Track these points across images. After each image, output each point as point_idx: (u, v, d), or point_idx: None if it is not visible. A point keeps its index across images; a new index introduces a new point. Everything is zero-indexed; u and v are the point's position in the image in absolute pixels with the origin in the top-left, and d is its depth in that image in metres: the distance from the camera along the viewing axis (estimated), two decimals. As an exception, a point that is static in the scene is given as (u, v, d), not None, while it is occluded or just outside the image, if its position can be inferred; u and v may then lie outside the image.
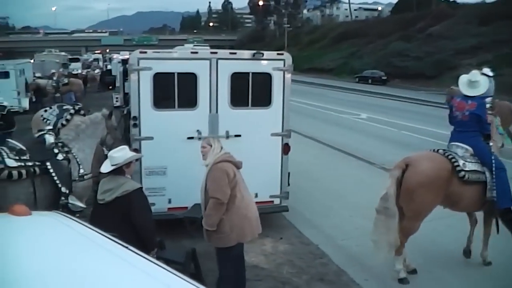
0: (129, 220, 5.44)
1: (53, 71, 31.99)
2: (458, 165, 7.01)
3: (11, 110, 15.41)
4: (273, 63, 8.69)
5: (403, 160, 7.21)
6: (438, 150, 7.42)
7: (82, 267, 2.37)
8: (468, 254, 7.94)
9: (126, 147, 5.96)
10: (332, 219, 9.85)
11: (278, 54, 9.02)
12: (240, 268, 6.44)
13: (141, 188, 5.76)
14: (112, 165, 5.61)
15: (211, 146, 6.14)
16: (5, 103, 14.01)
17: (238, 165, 6.15)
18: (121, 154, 5.68)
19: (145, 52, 8.45)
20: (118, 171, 5.64)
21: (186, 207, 8.23)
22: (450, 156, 7.12)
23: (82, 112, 11.20)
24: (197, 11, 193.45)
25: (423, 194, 6.88)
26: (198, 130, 8.38)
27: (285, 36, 79.98)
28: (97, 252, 2.60)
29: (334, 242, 8.77)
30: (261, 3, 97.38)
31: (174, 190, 8.28)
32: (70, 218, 3.10)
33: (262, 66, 8.69)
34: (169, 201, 8.39)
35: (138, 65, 8.16)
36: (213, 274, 6.50)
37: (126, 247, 2.69)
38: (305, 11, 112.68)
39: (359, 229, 9.16)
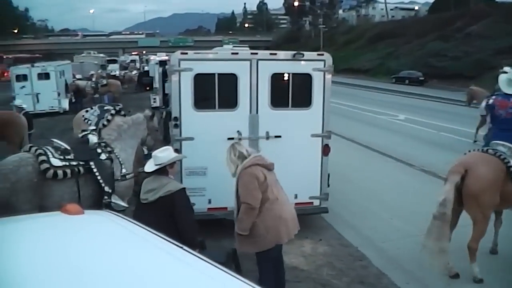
0: (171, 219, 5.48)
1: (92, 72, 32.67)
2: (511, 166, 6.98)
3: (30, 112, 15.71)
4: (313, 64, 8.64)
5: (460, 164, 7.10)
6: (487, 150, 7.30)
7: (138, 265, 2.40)
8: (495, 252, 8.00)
9: (170, 148, 6.02)
10: (371, 221, 9.73)
11: (318, 54, 8.97)
12: (279, 269, 6.41)
13: (184, 188, 5.80)
14: (156, 165, 5.66)
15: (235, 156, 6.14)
16: (23, 105, 14.26)
17: (269, 167, 6.08)
18: (165, 154, 5.74)
19: (186, 53, 8.48)
20: (162, 171, 5.70)
21: (226, 208, 8.25)
22: (502, 157, 7.05)
23: (122, 112, 11.30)
24: (232, 12, 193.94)
25: (487, 197, 6.86)
26: (238, 131, 8.39)
27: (320, 36, 79.57)
28: (151, 250, 2.63)
29: (373, 244, 8.67)
30: (296, 3, 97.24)
31: (214, 191, 8.30)
32: (121, 217, 3.13)
33: (302, 66, 8.64)
34: (209, 202, 8.42)
35: (179, 66, 8.21)
36: (253, 275, 6.47)
37: (181, 247, 2.70)
38: (340, 11, 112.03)
39: (399, 231, 9.05)
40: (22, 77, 26.36)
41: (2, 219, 3.17)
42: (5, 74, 53.78)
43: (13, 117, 14.03)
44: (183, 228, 5.54)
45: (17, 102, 14.51)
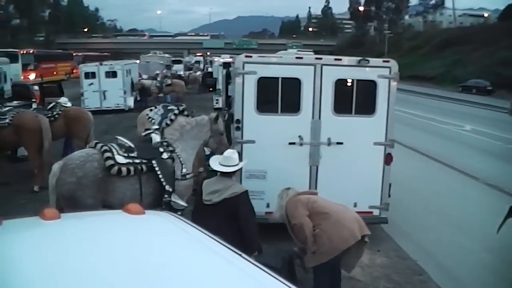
0: (234, 221, 5.51)
1: (157, 72, 33.31)
2: None
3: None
4: (378, 70, 8.48)
5: None
6: None
7: (192, 269, 2.40)
8: None
9: (236, 151, 6.04)
10: (432, 235, 9.47)
11: (384, 61, 8.80)
12: (336, 279, 6.34)
13: (247, 191, 5.81)
14: (227, 166, 5.69)
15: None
16: (68, 104, 14.61)
17: (311, 193, 6.48)
18: (235, 156, 5.79)
19: (250, 56, 8.51)
20: (226, 173, 5.72)
21: (284, 212, 8.21)
22: None
23: (185, 112, 11.48)
24: (297, 16, 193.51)
25: None
26: (300, 136, 8.35)
27: (385, 42, 78.38)
28: (207, 254, 2.62)
29: (434, 259, 8.43)
30: (361, 8, 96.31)
31: (273, 195, 8.21)
32: (181, 219, 3.15)
33: (367, 73, 8.49)
34: (267, 205, 8.38)
35: (243, 68, 8.24)
36: (308, 283, 6.43)
37: (237, 252, 2.69)
38: (406, 17, 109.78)
39: (462, 247, 8.77)
40: (91, 75, 27.21)
41: (66, 214, 3.24)
42: (75, 71, 55.77)
43: (80, 112, 14.46)
44: (246, 230, 5.58)
45: (63, 100, 14.92)
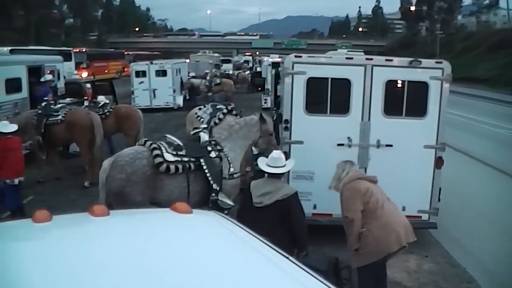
0: (285, 223, 5.48)
1: (207, 71, 33.62)
2: None
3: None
4: (430, 72, 8.31)
5: None
6: None
7: (238, 270, 2.40)
8: None
9: (281, 152, 6.02)
10: (483, 242, 9.19)
11: (436, 62, 8.62)
12: (382, 283, 6.26)
13: (297, 192, 5.78)
14: (277, 167, 5.67)
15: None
16: (105, 101, 14.83)
17: (371, 180, 6.06)
18: (282, 157, 5.77)
19: (300, 56, 8.48)
20: (276, 174, 5.70)
21: (331, 214, 8.17)
22: None
23: (234, 112, 11.57)
24: (347, 16, 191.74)
25: None
26: (348, 137, 8.27)
27: (437, 43, 76.81)
28: (253, 256, 2.62)
29: (484, 266, 8.21)
30: (413, 8, 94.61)
31: (320, 196, 8.20)
32: (228, 219, 3.15)
33: (419, 74, 8.34)
34: (314, 207, 8.35)
35: (293, 69, 8.22)
36: (354, 286, 6.37)
37: (283, 254, 2.67)
38: (459, 17, 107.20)
39: (515, 256, 8.50)
40: (141, 74, 27.72)
41: (115, 211, 3.29)
42: (126, 70, 56.86)
43: (131, 110, 14.74)
44: (297, 231, 5.58)
45: (99, 98, 15.21)
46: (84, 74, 46.59)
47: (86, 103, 14.76)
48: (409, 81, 8.32)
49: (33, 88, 15.80)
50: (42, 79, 14.96)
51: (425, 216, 8.61)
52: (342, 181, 6.02)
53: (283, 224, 5.50)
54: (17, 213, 9.67)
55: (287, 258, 2.65)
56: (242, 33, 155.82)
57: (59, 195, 11.88)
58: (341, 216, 7.75)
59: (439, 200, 8.62)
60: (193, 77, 31.40)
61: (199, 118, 11.74)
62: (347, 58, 8.73)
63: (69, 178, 13.39)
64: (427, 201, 8.56)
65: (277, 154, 5.91)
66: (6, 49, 35.00)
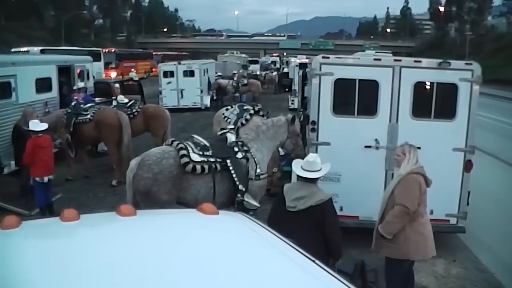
0: (318, 228, 5.42)
1: (234, 71, 33.72)
2: None
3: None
4: (460, 73, 8.19)
5: None
6: None
7: (263, 273, 2.39)
8: None
9: (318, 156, 5.94)
10: (512, 247, 9.02)
11: (466, 64, 8.48)
12: (408, 286, 6.18)
13: (332, 197, 5.69)
14: (312, 171, 5.60)
15: (404, 155, 5.94)
16: (125, 101, 14.91)
17: (428, 183, 5.95)
18: (319, 161, 5.69)
19: (328, 57, 8.43)
20: (310, 179, 5.63)
21: (357, 217, 8.14)
22: None
23: (261, 112, 11.58)
24: (375, 17, 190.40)
25: None
26: (376, 139, 8.20)
27: (466, 44, 75.73)
28: (280, 259, 2.60)
29: (513, 272, 8.04)
30: (442, 9, 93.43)
31: (347, 198, 8.16)
32: (254, 221, 3.14)
33: (448, 76, 8.22)
34: (341, 209, 8.26)
35: (320, 70, 8.19)
36: (380, 290, 6.29)
37: (310, 258, 2.66)
38: (489, 18, 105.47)
39: (546, 263, 8.31)
40: (169, 74, 27.94)
41: (142, 211, 3.31)
42: (154, 70, 57.38)
43: (159, 110, 14.87)
44: (331, 238, 5.49)
45: (119, 98, 15.35)
46: (113, 74, 47.22)
47: (114, 102, 14.92)
48: (438, 83, 8.21)
49: (63, 89, 16.07)
50: (74, 87, 15.08)
51: (453, 220, 8.49)
52: (410, 167, 5.87)
53: (316, 230, 5.42)
54: (46, 210, 9.84)
55: (313, 261, 2.63)
56: (270, 34, 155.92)
57: (87, 193, 12.04)
58: (367, 219, 7.76)
59: (467, 204, 8.48)
60: (220, 77, 31.52)
61: (226, 118, 11.80)
62: (375, 59, 8.63)
63: (98, 176, 13.57)
64: (455, 205, 8.42)
65: (313, 157, 5.79)
66: (36, 49, 35.70)
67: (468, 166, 8.33)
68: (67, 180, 12.84)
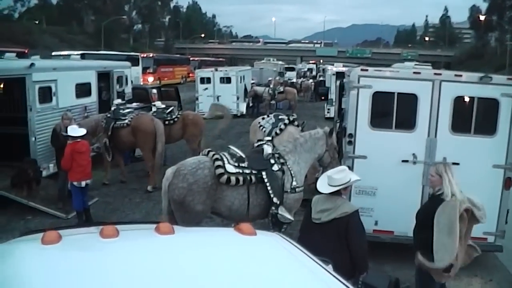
0: (343, 241, 5.39)
1: (270, 79, 33.81)
2: None
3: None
4: (502, 89, 8.02)
5: None
6: None
7: None
8: None
9: (346, 168, 5.88)
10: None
11: (508, 79, 8.28)
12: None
13: (358, 210, 5.65)
14: (331, 186, 5.57)
15: (440, 176, 5.78)
16: (162, 107, 14.99)
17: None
18: (342, 176, 5.62)
19: (366, 70, 8.37)
20: (336, 191, 5.60)
21: (392, 232, 8.05)
22: None
23: (296, 123, 11.58)
24: (413, 25, 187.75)
25: None
26: (413, 154, 8.09)
27: (507, 54, 74.21)
28: (314, 283, 2.62)
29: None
30: (482, 17, 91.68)
31: (382, 213, 8.08)
32: (290, 242, 3.15)
33: (489, 91, 8.06)
34: (376, 223, 8.21)
35: (358, 82, 8.13)
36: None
37: (342, 282, 2.68)
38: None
39: None
40: (206, 80, 28.14)
41: (180, 228, 3.32)
42: (191, 75, 57.90)
43: (198, 118, 15.03)
44: (356, 251, 5.43)
45: (157, 103, 15.54)
46: (151, 79, 47.84)
47: (154, 108, 15.09)
48: (478, 98, 8.07)
49: (102, 94, 16.36)
50: (113, 107, 15.16)
51: (491, 238, 8.29)
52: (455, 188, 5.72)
53: (341, 243, 5.39)
54: (82, 214, 10.01)
55: (345, 285, 2.66)
56: (306, 41, 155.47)
57: (123, 198, 12.22)
58: (403, 234, 7.67)
59: (506, 222, 8.30)
60: (257, 84, 31.62)
61: (261, 127, 11.85)
62: (414, 72, 8.50)
63: (134, 181, 13.75)
64: (493, 223, 8.20)
65: (332, 172, 5.74)
66: (77, 53, 36.47)
67: (508, 183, 8.15)
68: (104, 185, 13.06)
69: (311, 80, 46.66)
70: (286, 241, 3.14)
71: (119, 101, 14.48)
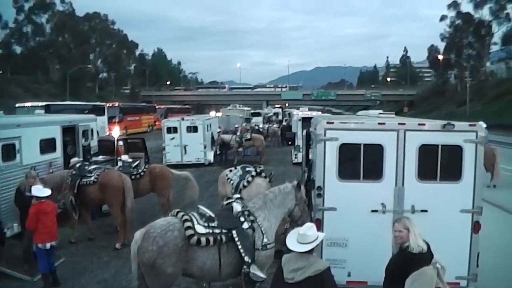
0: None
1: (237, 126, 33.97)
2: None
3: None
4: (464, 135, 8.22)
5: None
6: None
7: None
8: None
9: (313, 225, 5.86)
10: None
11: (470, 125, 8.49)
12: None
13: (330, 267, 5.61)
14: (304, 244, 5.53)
15: (407, 230, 5.92)
16: (129, 160, 14.98)
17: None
18: (312, 232, 5.61)
19: (332, 123, 8.47)
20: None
21: (366, 282, 8.02)
22: None
23: (263, 174, 11.61)
24: (375, 66, 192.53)
25: None
26: (382, 203, 8.16)
27: (467, 90, 76.28)
28: None
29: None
30: (441, 57, 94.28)
31: (355, 263, 8.06)
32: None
33: (453, 137, 8.24)
34: (349, 274, 8.18)
35: (325, 135, 8.23)
36: None
37: None
38: (488, 64, 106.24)
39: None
40: (173, 130, 28.05)
41: None
42: (157, 123, 57.75)
43: (165, 170, 14.89)
44: None
45: (124, 157, 15.50)
46: (117, 128, 47.54)
47: (120, 163, 14.94)
48: (442, 145, 8.22)
49: (68, 149, 16.16)
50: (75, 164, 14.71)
51: (463, 283, 8.34)
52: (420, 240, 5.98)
53: None
54: (48, 277, 9.72)
55: None
56: (272, 85, 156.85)
57: (91, 257, 11.92)
58: (376, 284, 7.62)
59: (477, 265, 8.36)
60: (224, 131, 31.71)
61: (229, 180, 11.85)
62: (379, 123, 8.62)
63: (102, 238, 13.47)
64: (465, 267, 8.30)
65: (305, 229, 5.71)
66: (41, 104, 36.13)
67: (476, 227, 8.26)
68: (71, 243, 12.78)
69: (277, 125, 47.07)
70: None
71: (76, 159, 14.14)
